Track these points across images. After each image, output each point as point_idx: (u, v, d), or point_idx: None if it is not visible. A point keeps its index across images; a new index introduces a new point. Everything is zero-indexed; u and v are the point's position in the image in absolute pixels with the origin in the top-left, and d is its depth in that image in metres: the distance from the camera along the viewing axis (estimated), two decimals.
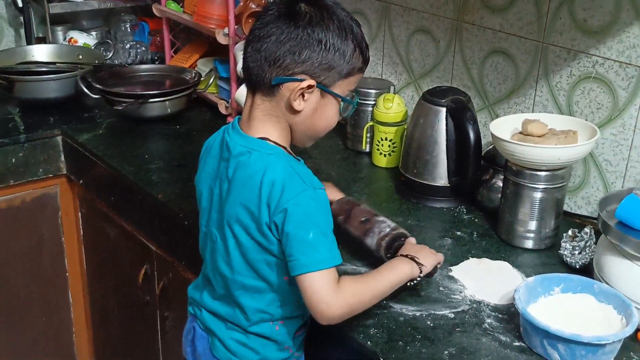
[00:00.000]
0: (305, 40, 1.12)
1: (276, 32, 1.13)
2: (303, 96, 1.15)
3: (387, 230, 1.37)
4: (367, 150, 1.96)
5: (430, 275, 1.32)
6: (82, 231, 2.22)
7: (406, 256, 1.27)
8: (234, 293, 1.22)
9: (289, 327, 1.24)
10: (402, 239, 1.36)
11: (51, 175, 2.14)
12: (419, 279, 1.26)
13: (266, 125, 1.18)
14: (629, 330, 1.15)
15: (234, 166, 1.18)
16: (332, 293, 1.11)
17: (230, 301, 1.24)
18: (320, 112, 1.18)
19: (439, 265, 1.32)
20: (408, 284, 1.27)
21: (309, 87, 1.14)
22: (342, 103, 1.20)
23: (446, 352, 1.20)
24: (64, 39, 2.61)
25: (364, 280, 1.21)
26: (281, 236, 1.13)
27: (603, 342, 1.13)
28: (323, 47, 1.12)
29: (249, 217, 1.15)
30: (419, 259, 1.26)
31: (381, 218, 1.41)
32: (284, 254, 1.14)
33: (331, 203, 1.43)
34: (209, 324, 1.28)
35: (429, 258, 1.29)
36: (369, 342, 1.21)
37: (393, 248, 1.35)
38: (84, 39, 2.58)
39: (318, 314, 1.13)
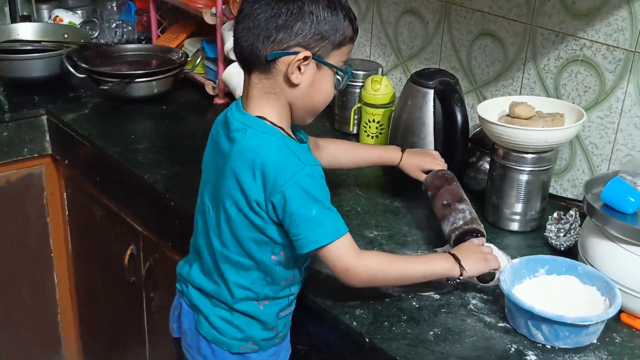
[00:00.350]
0: (297, 13, 1.13)
1: (266, 8, 1.13)
2: (300, 69, 1.16)
3: (460, 223, 1.36)
4: (355, 132, 1.96)
5: (484, 281, 1.28)
6: (67, 211, 2.21)
7: (453, 255, 1.26)
8: (221, 267, 1.23)
9: (274, 308, 1.25)
10: (474, 234, 1.34)
11: (36, 155, 2.12)
12: (458, 280, 1.26)
13: (263, 104, 1.19)
14: (612, 312, 1.17)
15: (230, 142, 1.19)
16: (351, 259, 1.16)
17: (217, 275, 1.24)
18: (317, 85, 1.19)
19: (496, 270, 1.28)
20: (448, 281, 1.27)
21: (305, 58, 1.15)
22: (336, 76, 1.21)
23: (431, 332, 1.20)
24: (49, 17, 2.58)
25: (396, 258, 1.25)
26: (284, 217, 1.14)
27: (586, 323, 1.14)
28: (315, 18, 1.13)
29: (240, 193, 1.16)
30: (463, 261, 1.24)
31: (462, 206, 1.40)
32: (288, 235, 1.16)
33: (428, 172, 1.50)
34: (195, 300, 1.28)
35: (478, 264, 1.26)
36: (354, 323, 1.22)
37: (462, 243, 1.34)
38: (70, 17, 2.56)
39: (342, 280, 1.18)
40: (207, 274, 1.27)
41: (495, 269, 1.28)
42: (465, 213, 1.39)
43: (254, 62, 1.17)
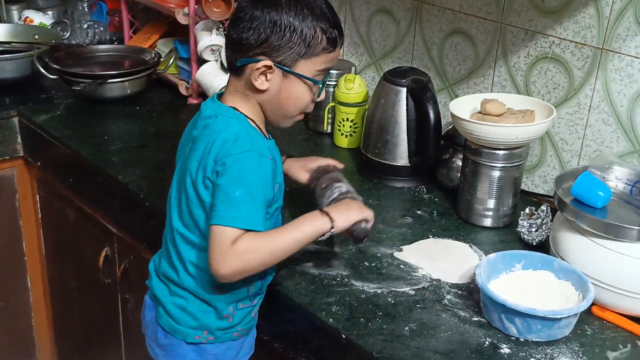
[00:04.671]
0: (263, 22, 1.16)
1: (243, 16, 1.18)
2: (265, 76, 1.19)
3: (336, 194, 1.34)
4: (329, 130, 1.96)
5: (358, 239, 1.26)
6: (40, 214, 2.19)
7: (321, 210, 1.25)
8: (179, 247, 1.25)
9: (231, 296, 1.25)
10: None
11: (7, 158, 2.10)
12: (329, 234, 1.22)
13: (235, 99, 1.24)
14: (584, 305, 1.19)
15: (200, 127, 1.23)
16: (225, 250, 1.13)
17: (176, 258, 1.26)
18: (286, 92, 1.22)
19: (365, 225, 1.26)
20: (321, 238, 1.23)
21: (267, 67, 1.18)
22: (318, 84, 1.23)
23: (407, 327, 1.21)
24: (19, 18, 2.55)
25: (265, 234, 1.18)
26: (214, 184, 1.16)
27: (558, 317, 1.16)
28: (278, 28, 1.16)
29: (198, 170, 1.19)
30: (333, 214, 1.23)
31: (339, 184, 1.37)
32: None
33: (311, 170, 1.45)
34: (156, 290, 1.30)
35: (351, 212, 1.25)
36: (330, 319, 1.23)
37: None
38: (40, 18, 2.53)
39: (211, 268, 1.15)
40: (168, 259, 1.29)
41: (368, 221, 1.26)
42: (341, 188, 1.36)
43: (230, 65, 1.23)
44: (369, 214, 1.28)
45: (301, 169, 1.46)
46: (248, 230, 1.14)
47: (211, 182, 1.17)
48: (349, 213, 1.26)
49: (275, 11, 1.16)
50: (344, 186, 1.37)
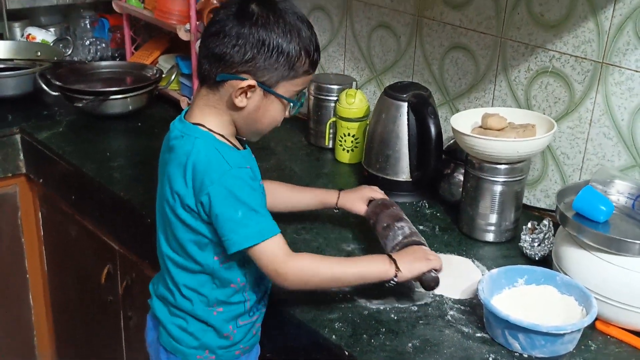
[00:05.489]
0: (250, 40, 1.15)
1: (225, 30, 1.16)
2: (246, 94, 1.18)
3: (400, 238, 1.35)
4: (330, 146, 1.97)
5: (429, 287, 1.26)
6: (42, 231, 2.19)
7: (390, 257, 1.26)
8: (171, 271, 1.25)
9: (228, 314, 1.26)
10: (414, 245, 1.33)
11: (10, 175, 2.10)
12: (392, 282, 1.25)
13: (204, 114, 1.21)
14: (587, 321, 1.18)
15: (169, 150, 1.22)
16: (280, 261, 1.16)
17: (170, 281, 1.26)
18: (263, 110, 1.21)
19: (435, 274, 1.26)
20: (386, 284, 1.26)
21: (250, 86, 1.17)
22: (290, 104, 1.23)
23: (410, 344, 1.21)
24: (22, 35, 2.56)
25: (328, 259, 1.25)
26: (210, 218, 1.16)
27: (561, 332, 1.16)
28: (266, 48, 1.15)
29: (174, 196, 1.19)
30: (399, 262, 1.25)
31: (400, 224, 1.39)
32: (217, 235, 1.17)
33: (369, 201, 1.48)
34: (157, 311, 1.30)
35: (417, 262, 1.26)
36: (333, 336, 1.22)
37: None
38: (43, 35, 2.54)
39: (274, 282, 1.20)
40: (164, 282, 1.29)
41: (437, 270, 1.27)
42: (404, 229, 1.37)
43: (205, 77, 1.20)
44: (435, 263, 1.27)
45: (359, 200, 1.49)
46: (267, 240, 1.15)
47: (197, 213, 1.17)
48: (414, 263, 1.26)
49: (264, 31, 1.15)
50: (406, 227, 1.38)
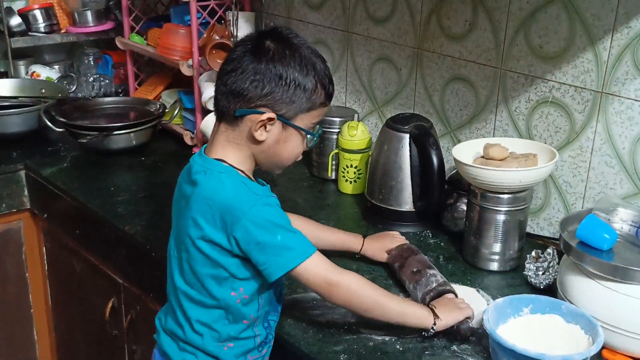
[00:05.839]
0: (268, 75, 1.17)
1: (242, 66, 1.18)
2: (265, 127, 1.20)
3: (434, 285, 1.37)
4: (333, 177, 1.98)
5: (464, 337, 1.29)
6: (46, 266, 2.19)
7: (431, 309, 1.30)
8: (184, 305, 1.25)
9: (239, 349, 1.26)
10: (447, 294, 1.36)
11: (15, 210, 2.11)
12: (432, 331, 1.27)
13: (225, 150, 1.23)
14: (594, 350, 1.17)
15: (192, 185, 1.23)
16: (331, 273, 1.20)
17: (182, 316, 1.26)
18: (283, 143, 1.23)
19: (471, 324, 1.29)
20: (424, 333, 1.28)
21: (270, 119, 1.19)
22: (307, 135, 1.25)
23: None
24: (27, 73, 2.59)
25: (375, 287, 1.26)
26: (249, 249, 1.17)
27: None
28: (284, 82, 1.18)
29: (198, 231, 1.19)
30: (438, 311, 1.28)
31: (432, 271, 1.42)
32: (248, 269, 1.19)
33: (391, 250, 1.52)
34: (165, 346, 1.30)
35: (454, 312, 1.29)
36: None
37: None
38: (47, 72, 2.57)
39: (323, 295, 1.22)
40: (174, 316, 1.28)
41: (469, 318, 1.30)
42: (437, 277, 1.40)
43: (224, 114, 1.22)
44: (468, 312, 1.31)
45: (381, 250, 1.53)
46: (312, 256, 1.18)
47: (224, 249, 1.17)
48: (452, 313, 1.29)
49: (281, 65, 1.17)
50: (438, 275, 1.41)
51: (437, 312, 1.27)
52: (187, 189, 1.24)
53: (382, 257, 1.53)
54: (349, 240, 1.55)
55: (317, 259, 1.20)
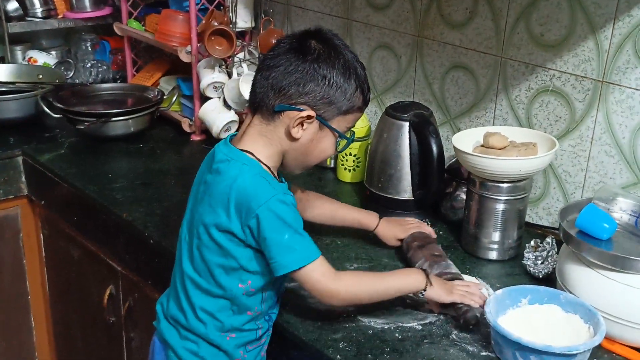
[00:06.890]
0: (311, 74, 1.19)
1: (285, 63, 1.20)
2: (302, 125, 1.21)
3: (454, 270, 1.40)
4: (332, 165, 1.97)
5: (469, 323, 1.27)
6: (44, 252, 2.19)
7: (424, 271, 1.31)
8: (189, 292, 1.25)
9: (240, 340, 1.26)
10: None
11: (12, 197, 2.10)
12: (421, 295, 1.29)
13: (256, 143, 1.24)
14: (598, 339, 1.17)
15: (213, 172, 1.23)
16: (328, 281, 1.20)
17: (186, 302, 1.26)
18: (316, 143, 1.25)
19: (478, 314, 1.28)
20: (419, 295, 1.29)
21: (309, 117, 1.20)
22: (338, 139, 1.26)
23: None
24: (24, 58, 2.58)
25: (370, 276, 1.30)
26: (259, 241, 1.18)
27: (574, 352, 1.15)
28: (327, 82, 1.20)
29: (213, 219, 1.20)
30: (432, 279, 1.29)
31: (450, 262, 1.44)
32: (258, 262, 1.20)
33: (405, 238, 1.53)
34: (165, 334, 1.30)
35: (453, 295, 1.29)
36: (338, 356, 1.22)
37: None
38: (44, 58, 2.56)
39: (323, 302, 1.23)
40: (177, 302, 1.28)
41: (462, 304, 1.29)
42: (454, 266, 1.42)
43: (261, 107, 1.23)
44: (457, 297, 1.30)
45: (393, 238, 1.55)
46: (313, 261, 1.18)
47: (239, 239, 1.18)
48: (449, 295, 1.30)
49: (325, 66, 1.19)
50: (453, 267, 1.42)
51: (431, 280, 1.29)
52: (207, 175, 1.25)
53: (393, 243, 1.55)
54: (364, 220, 1.55)
55: (319, 265, 1.19)
